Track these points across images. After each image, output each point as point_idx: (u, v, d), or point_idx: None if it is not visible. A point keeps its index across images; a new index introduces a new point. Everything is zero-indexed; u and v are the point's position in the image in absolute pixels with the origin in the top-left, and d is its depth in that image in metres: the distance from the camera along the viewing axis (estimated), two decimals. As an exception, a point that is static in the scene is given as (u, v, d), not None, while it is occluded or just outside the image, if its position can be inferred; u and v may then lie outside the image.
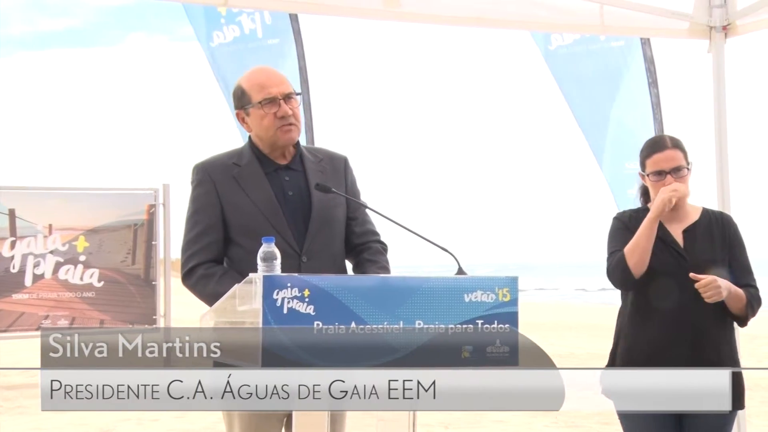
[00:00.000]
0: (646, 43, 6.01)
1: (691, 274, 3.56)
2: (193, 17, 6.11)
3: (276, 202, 3.27)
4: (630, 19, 5.24)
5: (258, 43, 6.03)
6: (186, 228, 3.34)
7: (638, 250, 3.59)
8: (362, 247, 3.42)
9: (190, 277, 3.26)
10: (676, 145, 3.71)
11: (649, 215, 3.61)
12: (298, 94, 3.34)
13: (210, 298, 3.13)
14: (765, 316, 3.87)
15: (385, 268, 3.37)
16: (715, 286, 3.52)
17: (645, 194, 3.85)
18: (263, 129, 3.30)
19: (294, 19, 5.88)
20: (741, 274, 3.67)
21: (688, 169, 3.69)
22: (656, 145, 3.76)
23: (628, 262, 3.60)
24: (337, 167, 3.45)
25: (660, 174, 3.66)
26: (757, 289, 3.68)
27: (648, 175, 3.70)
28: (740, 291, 3.62)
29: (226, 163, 3.34)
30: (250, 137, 3.38)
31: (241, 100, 3.32)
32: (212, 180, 3.30)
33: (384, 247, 3.47)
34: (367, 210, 3.43)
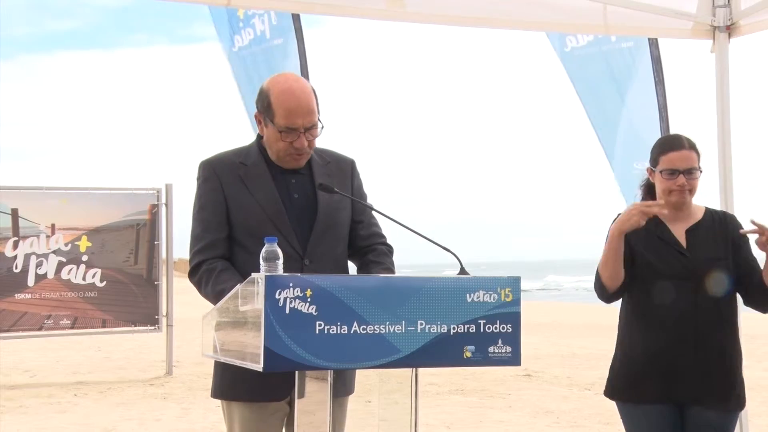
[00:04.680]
0: (653, 43, 6.01)
1: (752, 219, 3.52)
2: (218, 21, 6.18)
3: (281, 204, 3.25)
4: (634, 18, 5.22)
5: (267, 44, 6.06)
6: (192, 225, 3.33)
7: (608, 268, 3.59)
8: (368, 249, 3.41)
9: (194, 273, 3.26)
10: (693, 147, 3.69)
11: (613, 231, 3.56)
12: (321, 126, 3.25)
13: (209, 296, 3.13)
14: (766, 316, 3.85)
15: (390, 270, 3.35)
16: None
17: (647, 191, 3.83)
18: (274, 149, 3.27)
19: (296, 18, 5.89)
20: (750, 271, 3.65)
21: (700, 171, 3.69)
22: (674, 143, 3.73)
23: (601, 278, 3.62)
24: (344, 170, 3.43)
25: (673, 173, 3.64)
26: None
27: (660, 172, 3.68)
28: None
29: (233, 162, 3.31)
30: (260, 137, 3.35)
31: (265, 111, 3.24)
32: (218, 177, 3.28)
33: (390, 249, 3.45)
34: (372, 211, 3.41)
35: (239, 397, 3.21)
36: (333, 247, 3.31)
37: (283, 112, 3.18)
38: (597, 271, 3.64)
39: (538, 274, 71.21)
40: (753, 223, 3.54)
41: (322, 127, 3.26)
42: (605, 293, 3.65)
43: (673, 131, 5.51)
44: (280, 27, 6.01)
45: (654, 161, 3.72)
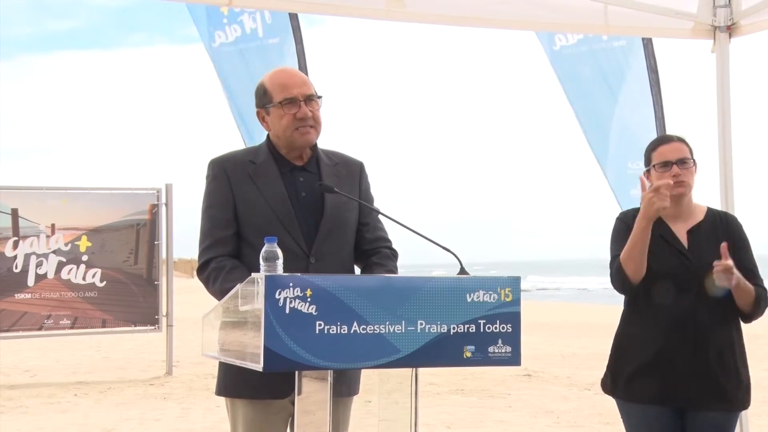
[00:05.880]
0: (647, 42, 6.01)
1: (716, 262, 3.51)
2: (196, 17, 6.12)
3: (289, 202, 3.26)
4: (634, 18, 5.22)
5: (259, 42, 6.02)
6: (201, 222, 3.34)
7: (634, 259, 3.57)
8: (372, 252, 3.41)
9: (203, 271, 3.26)
10: (682, 140, 3.74)
11: (639, 221, 3.57)
12: (319, 96, 3.30)
13: (218, 294, 3.11)
14: (766, 316, 3.85)
15: (392, 273, 3.35)
16: (728, 269, 3.48)
17: None
18: (281, 128, 3.29)
19: (293, 17, 5.87)
20: (747, 274, 3.64)
21: (694, 161, 3.69)
22: (663, 138, 3.83)
23: (625, 271, 3.59)
24: (352, 172, 3.44)
25: (666, 165, 3.65)
26: (765, 289, 3.66)
27: (654, 167, 3.69)
28: (750, 286, 3.60)
29: (242, 160, 3.34)
30: (268, 136, 3.37)
31: (263, 99, 3.31)
32: (227, 175, 3.30)
33: (394, 253, 3.45)
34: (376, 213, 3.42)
35: (242, 394, 3.21)
36: (339, 247, 3.31)
37: (278, 88, 3.27)
38: (618, 265, 3.61)
39: (536, 274, 71.22)
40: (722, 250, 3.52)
41: (321, 97, 3.31)
42: (629, 287, 3.61)
43: (670, 130, 5.53)
44: (275, 26, 5.98)
45: (647, 161, 3.76)
